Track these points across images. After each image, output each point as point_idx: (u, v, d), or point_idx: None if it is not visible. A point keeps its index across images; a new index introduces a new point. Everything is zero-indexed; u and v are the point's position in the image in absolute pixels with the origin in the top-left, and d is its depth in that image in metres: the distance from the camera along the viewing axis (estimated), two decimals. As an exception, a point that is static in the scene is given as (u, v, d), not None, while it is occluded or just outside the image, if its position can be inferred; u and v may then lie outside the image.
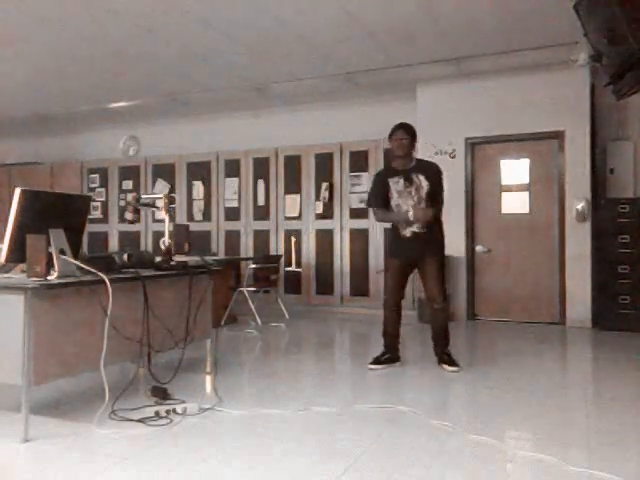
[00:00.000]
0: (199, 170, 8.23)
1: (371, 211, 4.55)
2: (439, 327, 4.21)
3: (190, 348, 3.68)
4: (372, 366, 4.14)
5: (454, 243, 6.57)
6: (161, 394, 3.23)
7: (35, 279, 2.66)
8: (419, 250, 4.14)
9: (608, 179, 6.30)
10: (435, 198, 4.15)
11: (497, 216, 6.56)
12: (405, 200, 4.11)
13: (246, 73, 6.61)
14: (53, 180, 9.20)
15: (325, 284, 7.42)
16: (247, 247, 7.90)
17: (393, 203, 4.17)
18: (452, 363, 4.10)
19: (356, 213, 7.24)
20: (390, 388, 3.70)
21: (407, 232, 4.15)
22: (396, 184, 4.14)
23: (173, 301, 3.57)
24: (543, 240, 6.35)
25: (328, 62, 6.24)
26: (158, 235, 7.91)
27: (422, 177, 4.10)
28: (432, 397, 3.52)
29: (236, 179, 8.00)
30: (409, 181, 4.10)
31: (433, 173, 4.16)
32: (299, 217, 7.61)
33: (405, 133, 4.13)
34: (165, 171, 8.48)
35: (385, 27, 5.27)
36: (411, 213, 4.05)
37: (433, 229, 4.15)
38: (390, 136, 4.19)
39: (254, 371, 4.23)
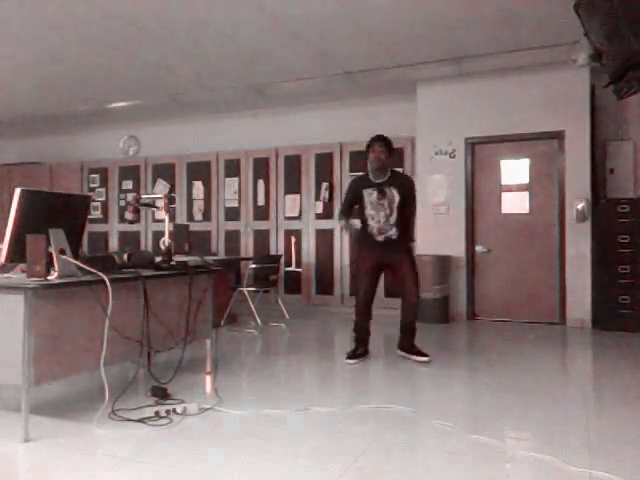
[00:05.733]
0: (199, 170, 8.23)
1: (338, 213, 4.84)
2: (411, 320, 4.38)
3: (190, 348, 3.68)
4: (349, 361, 4.28)
5: (454, 243, 6.59)
6: (161, 394, 3.23)
7: (35, 279, 2.66)
8: (392, 253, 4.34)
9: (608, 179, 6.30)
10: (409, 210, 4.41)
11: (497, 216, 6.56)
12: (377, 212, 4.30)
13: (246, 73, 6.61)
14: (53, 180, 9.20)
15: (325, 284, 7.42)
16: (247, 247, 7.90)
17: (367, 213, 4.34)
18: (422, 353, 4.29)
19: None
20: (390, 388, 3.70)
21: (380, 238, 4.33)
22: (370, 195, 4.33)
23: (173, 301, 3.57)
24: (543, 240, 6.34)
25: (328, 62, 6.23)
26: (158, 235, 7.92)
27: (395, 191, 4.28)
28: (432, 397, 3.52)
29: (236, 179, 8.00)
30: (382, 194, 4.28)
31: (407, 188, 4.39)
32: (299, 217, 7.61)
33: (382, 145, 4.28)
34: (165, 171, 8.47)
35: (385, 27, 5.27)
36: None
37: (406, 235, 4.41)
38: (367, 148, 4.33)
39: (254, 371, 4.23)
